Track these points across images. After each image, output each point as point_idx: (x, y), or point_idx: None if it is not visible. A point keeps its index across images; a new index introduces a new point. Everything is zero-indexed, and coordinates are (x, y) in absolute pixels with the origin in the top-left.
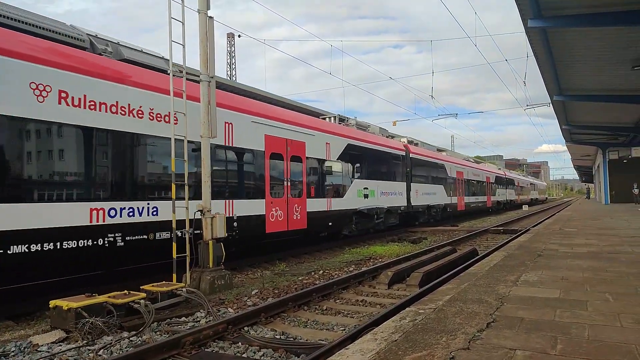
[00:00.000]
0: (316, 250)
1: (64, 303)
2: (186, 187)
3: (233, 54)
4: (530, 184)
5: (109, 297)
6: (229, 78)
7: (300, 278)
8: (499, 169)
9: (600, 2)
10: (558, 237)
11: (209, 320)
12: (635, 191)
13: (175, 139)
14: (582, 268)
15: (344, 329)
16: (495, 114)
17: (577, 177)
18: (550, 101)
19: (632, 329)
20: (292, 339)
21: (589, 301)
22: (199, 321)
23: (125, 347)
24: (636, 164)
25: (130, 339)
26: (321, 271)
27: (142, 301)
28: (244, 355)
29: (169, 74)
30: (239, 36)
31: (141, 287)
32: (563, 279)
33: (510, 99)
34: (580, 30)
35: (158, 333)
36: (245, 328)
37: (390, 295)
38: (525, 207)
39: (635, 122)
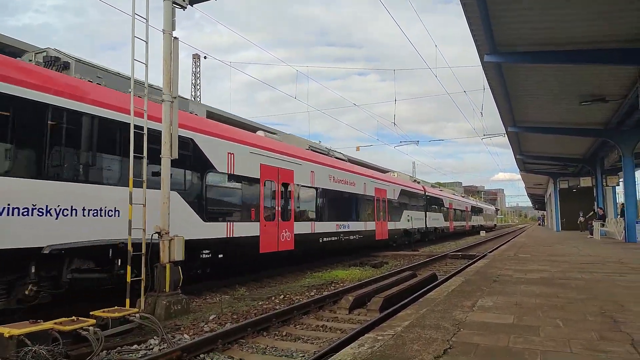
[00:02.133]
0: (278, 274)
1: (5, 330)
2: (143, 208)
3: (198, 75)
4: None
5: (55, 323)
6: (193, 99)
7: (260, 303)
8: (462, 195)
9: (550, 41)
10: (513, 263)
11: (163, 348)
12: (581, 219)
13: (134, 156)
14: (535, 294)
15: (304, 356)
16: (455, 142)
17: (530, 204)
18: (505, 132)
19: (582, 355)
20: None
21: (541, 327)
22: (152, 349)
23: None
24: (585, 193)
25: None
26: (282, 296)
27: (90, 328)
28: None
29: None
30: (205, 57)
31: (91, 313)
32: (517, 304)
33: (469, 129)
34: (532, 67)
35: None
36: (201, 355)
37: (350, 320)
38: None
39: (584, 154)
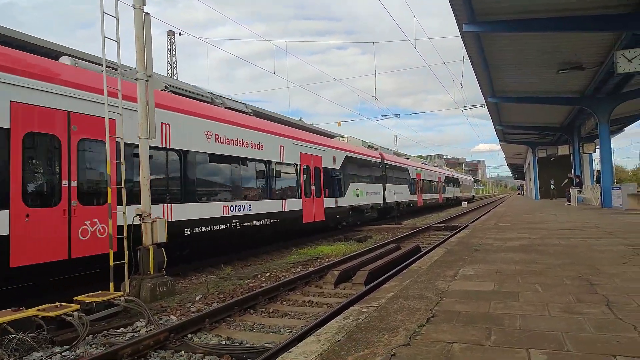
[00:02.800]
0: (263, 252)
1: None
2: (123, 191)
3: (174, 53)
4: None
5: (38, 310)
6: (169, 77)
7: (246, 281)
8: (435, 165)
9: (527, 9)
10: (493, 232)
11: (150, 330)
12: (552, 187)
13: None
14: (515, 261)
15: (291, 331)
16: (436, 115)
17: (510, 175)
18: (485, 103)
19: (559, 318)
20: (237, 344)
21: (521, 292)
22: (139, 331)
23: None
24: (562, 161)
25: (63, 354)
26: (268, 273)
27: (75, 313)
28: None
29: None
30: (180, 34)
31: (74, 299)
32: (497, 272)
33: (449, 101)
34: (510, 35)
35: (94, 346)
36: (189, 335)
37: (336, 294)
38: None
39: (561, 123)
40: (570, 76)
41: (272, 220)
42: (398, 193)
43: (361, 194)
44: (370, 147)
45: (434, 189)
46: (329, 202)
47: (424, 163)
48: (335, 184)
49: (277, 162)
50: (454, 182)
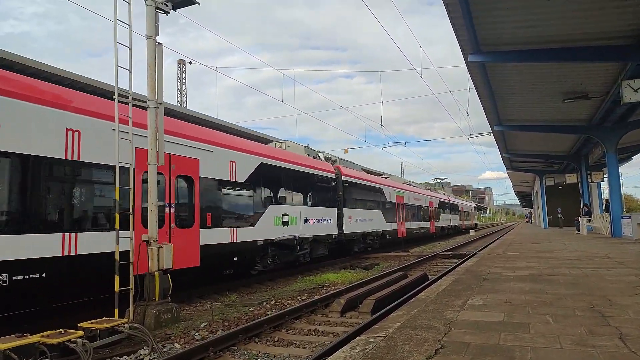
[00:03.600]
0: (268, 279)
1: None
2: (131, 217)
3: (184, 81)
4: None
5: (42, 336)
6: (179, 105)
7: (251, 309)
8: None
9: (531, 40)
10: (502, 261)
11: (153, 358)
12: (560, 215)
13: (120, 166)
14: (524, 291)
15: None
16: (443, 143)
17: (518, 202)
18: (491, 130)
19: (571, 350)
20: None
21: (531, 323)
22: (143, 359)
23: None
24: (570, 189)
25: None
26: (273, 301)
27: (79, 340)
28: None
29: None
30: (190, 63)
31: (79, 325)
32: (507, 302)
33: (455, 128)
34: (515, 65)
35: None
36: None
37: (343, 323)
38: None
39: (568, 151)
40: (576, 105)
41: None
42: (364, 221)
43: (292, 221)
44: (326, 159)
45: (422, 216)
46: (216, 236)
47: (410, 184)
48: (233, 205)
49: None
50: (452, 208)
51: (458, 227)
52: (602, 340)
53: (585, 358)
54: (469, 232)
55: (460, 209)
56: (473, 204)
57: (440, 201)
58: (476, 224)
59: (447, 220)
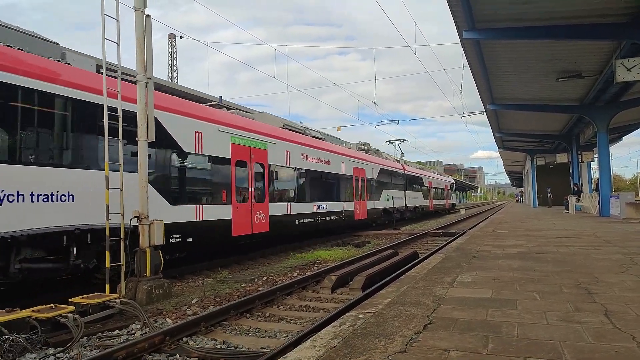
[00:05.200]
0: (260, 256)
1: None
2: (121, 193)
3: (174, 56)
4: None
5: (32, 311)
6: (170, 80)
7: (243, 285)
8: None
9: (526, 17)
10: (491, 239)
11: (145, 332)
12: (549, 195)
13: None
14: (513, 268)
15: (287, 336)
16: (436, 121)
17: (509, 181)
18: (484, 109)
19: (557, 326)
20: (233, 348)
21: (519, 300)
22: (134, 334)
23: None
24: (561, 169)
25: (57, 355)
26: (265, 277)
27: (70, 315)
28: None
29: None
30: (181, 37)
31: (69, 300)
32: (495, 279)
33: (449, 107)
34: (509, 43)
35: (88, 348)
36: (184, 339)
37: (333, 299)
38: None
39: (560, 130)
40: (569, 84)
41: None
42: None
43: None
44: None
45: (327, 191)
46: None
47: (319, 135)
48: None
49: None
50: (410, 182)
51: (422, 209)
52: (587, 317)
53: (570, 334)
54: (447, 214)
55: (428, 185)
56: (449, 179)
57: (382, 169)
58: (454, 205)
59: (399, 199)
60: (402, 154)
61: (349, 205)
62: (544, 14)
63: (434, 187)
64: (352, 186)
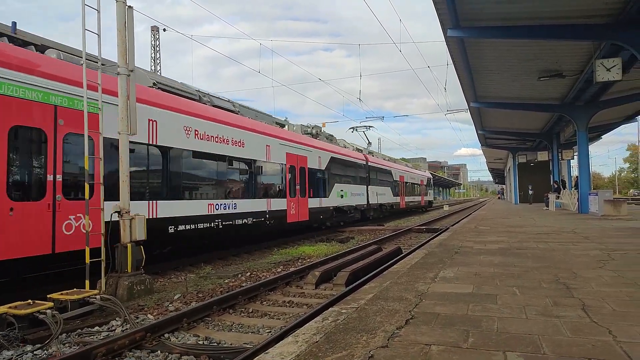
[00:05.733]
0: (244, 251)
1: None
2: (101, 187)
3: (158, 49)
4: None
5: (9, 307)
6: (153, 72)
7: (226, 281)
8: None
9: (510, 16)
10: (473, 235)
11: (126, 329)
12: (530, 192)
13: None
14: (494, 264)
15: (270, 332)
16: (420, 118)
17: (491, 179)
18: (467, 107)
19: (536, 321)
20: (215, 344)
21: (499, 295)
22: (115, 330)
23: None
24: (541, 166)
25: (35, 352)
26: (248, 273)
27: (48, 311)
28: None
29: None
30: (164, 30)
31: (48, 296)
32: (476, 274)
33: (433, 105)
34: (493, 42)
35: (67, 345)
36: (166, 335)
37: (317, 295)
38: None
39: (541, 129)
40: (550, 84)
41: None
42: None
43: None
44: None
45: (239, 185)
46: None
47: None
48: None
49: None
50: (375, 174)
51: (392, 207)
52: (565, 311)
53: (549, 327)
54: (423, 212)
55: (399, 179)
56: (426, 174)
57: (334, 158)
58: (430, 202)
59: (359, 195)
60: (369, 143)
61: (278, 204)
62: (528, 13)
63: (406, 182)
64: (284, 178)
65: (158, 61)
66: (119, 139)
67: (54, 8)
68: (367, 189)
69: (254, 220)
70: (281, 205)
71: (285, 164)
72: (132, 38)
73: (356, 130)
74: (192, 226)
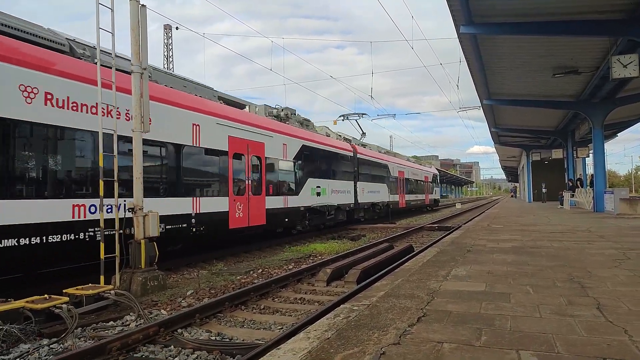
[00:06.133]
0: (256, 248)
1: None
2: (115, 184)
3: (170, 47)
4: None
5: (26, 302)
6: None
7: (238, 277)
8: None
9: (523, 12)
10: (486, 233)
11: (140, 324)
12: (544, 190)
13: (104, 132)
14: (507, 262)
15: (282, 328)
16: (432, 116)
17: (504, 177)
18: (480, 104)
19: (550, 320)
20: (227, 340)
21: (512, 293)
22: (129, 325)
23: (45, 356)
24: (556, 164)
25: (51, 346)
26: (260, 270)
27: (64, 306)
28: (176, 359)
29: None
30: (177, 28)
31: (64, 291)
32: (489, 272)
33: (445, 102)
34: (506, 38)
35: (82, 339)
36: (179, 330)
37: (328, 292)
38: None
39: (556, 126)
40: (565, 80)
41: None
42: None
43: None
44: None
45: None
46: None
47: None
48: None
49: None
50: (366, 170)
51: (388, 206)
52: (580, 310)
53: (563, 327)
54: (428, 212)
55: (398, 175)
56: (431, 170)
57: (307, 147)
58: (436, 200)
59: (344, 192)
60: (363, 133)
61: (213, 204)
62: (541, 9)
63: (407, 179)
64: (226, 170)
65: (171, 59)
66: (133, 137)
67: (67, 7)
68: (355, 185)
69: (170, 227)
70: (220, 206)
71: (227, 152)
72: (145, 36)
73: (347, 118)
74: (36, 240)
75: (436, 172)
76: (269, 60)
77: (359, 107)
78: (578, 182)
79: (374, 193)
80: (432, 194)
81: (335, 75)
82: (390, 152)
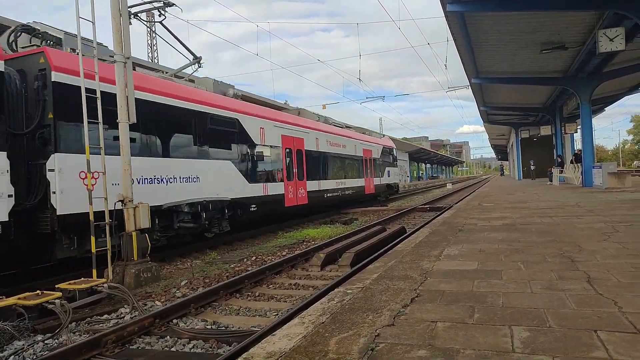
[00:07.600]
0: (249, 236)
1: None
2: (104, 177)
3: (154, 35)
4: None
5: (18, 298)
6: (150, 61)
7: (232, 265)
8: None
9: None
10: (477, 212)
11: (134, 316)
12: (532, 167)
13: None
14: (498, 240)
15: (277, 314)
16: (421, 97)
17: (494, 155)
18: (469, 83)
19: (541, 295)
20: (223, 328)
21: (503, 270)
22: (123, 317)
23: (40, 352)
24: (545, 141)
25: (45, 342)
26: (254, 257)
27: (57, 301)
28: (172, 349)
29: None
30: (160, 15)
31: (56, 286)
32: (481, 251)
33: (434, 82)
34: (493, 15)
35: (77, 333)
36: (174, 321)
37: (322, 276)
38: None
39: (544, 103)
40: (553, 56)
41: None
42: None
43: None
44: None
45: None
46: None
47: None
48: None
49: None
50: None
51: (248, 208)
52: (571, 284)
53: (554, 301)
54: (372, 204)
55: (290, 147)
56: (383, 142)
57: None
58: (391, 186)
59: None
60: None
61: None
62: None
63: (314, 152)
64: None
65: (155, 47)
66: (120, 128)
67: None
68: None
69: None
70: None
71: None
72: (127, 24)
73: None
74: None
75: (392, 145)
76: (255, 45)
77: (347, 91)
78: (574, 158)
79: (210, 182)
80: (382, 176)
81: (322, 58)
82: (288, 110)
